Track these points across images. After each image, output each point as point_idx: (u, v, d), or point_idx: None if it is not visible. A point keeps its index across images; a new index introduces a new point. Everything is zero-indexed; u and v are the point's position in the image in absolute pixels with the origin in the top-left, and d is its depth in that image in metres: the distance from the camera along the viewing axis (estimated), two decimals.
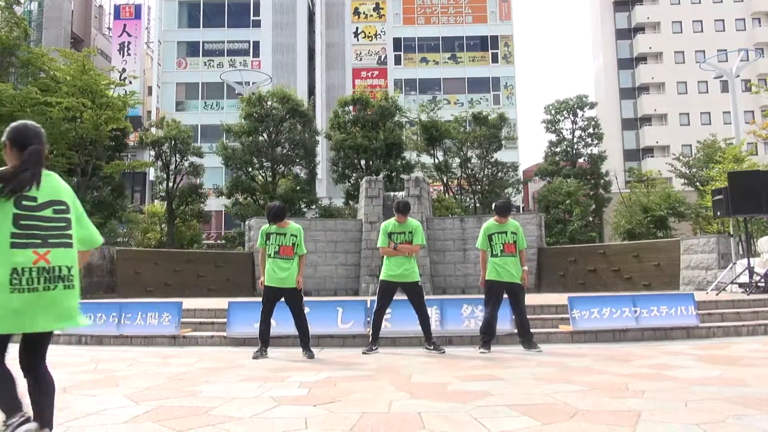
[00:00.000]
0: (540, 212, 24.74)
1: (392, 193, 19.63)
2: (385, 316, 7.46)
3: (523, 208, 45.25)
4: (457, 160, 31.44)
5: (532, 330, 7.39)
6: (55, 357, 7.14)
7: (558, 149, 34.96)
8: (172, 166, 28.78)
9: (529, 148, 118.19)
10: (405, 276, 7.05)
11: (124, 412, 4.04)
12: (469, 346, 7.64)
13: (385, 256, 7.19)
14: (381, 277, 7.17)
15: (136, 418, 3.87)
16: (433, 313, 7.92)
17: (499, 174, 32.44)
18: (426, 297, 7.32)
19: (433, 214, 22.18)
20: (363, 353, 7.05)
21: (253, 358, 6.70)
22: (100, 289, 15.92)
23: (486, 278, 7.12)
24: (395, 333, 7.94)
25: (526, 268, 7.25)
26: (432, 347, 7.13)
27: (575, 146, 34.92)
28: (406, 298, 7.24)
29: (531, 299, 9.17)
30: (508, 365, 5.99)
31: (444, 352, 6.99)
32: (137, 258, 17.54)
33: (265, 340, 6.89)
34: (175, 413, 3.99)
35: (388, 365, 6.12)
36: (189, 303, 10.67)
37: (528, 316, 7.37)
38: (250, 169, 28.06)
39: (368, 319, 7.89)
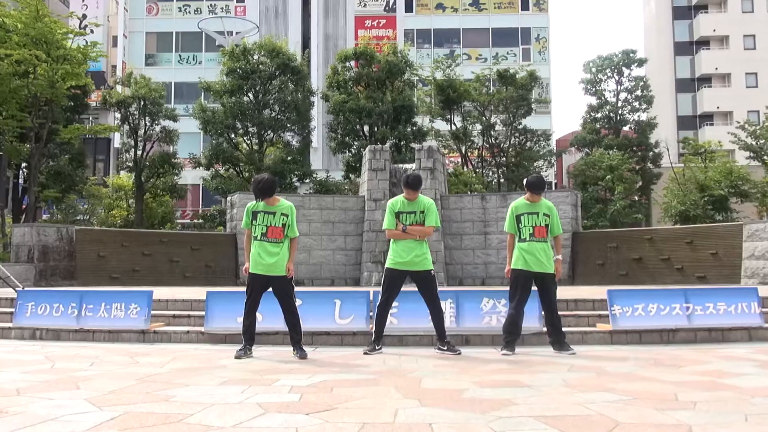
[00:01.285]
0: (576, 189, 24.67)
1: (401, 166, 19.66)
2: (390, 311, 7.49)
3: (556, 184, 45.12)
4: (479, 126, 31.32)
5: (564, 329, 7.39)
6: (5, 354, 7.24)
7: (599, 115, 34.73)
8: (141, 131, 28.78)
9: (564, 113, 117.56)
10: (415, 263, 7.08)
11: (85, 419, 4.05)
12: (490, 347, 7.68)
13: (391, 240, 7.22)
14: (387, 265, 7.21)
15: (99, 426, 3.87)
16: (447, 307, 7.92)
17: (528, 144, 32.35)
18: (439, 288, 7.36)
19: (449, 190, 22.19)
20: (364, 353, 7.11)
21: (236, 357, 6.77)
22: (57, 274, 16.05)
23: (512, 267, 7.17)
24: (403, 330, 7.97)
25: (559, 256, 7.26)
26: (446, 347, 7.18)
27: (620, 111, 34.66)
28: (415, 289, 7.28)
29: (564, 292, 9.10)
30: (536, 369, 6.02)
31: (460, 354, 7.05)
32: (100, 239, 17.66)
33: (249, 337, 6.95)
34: (144, 421, 4.01)
35: (393, 368, 6.17)
36: (161, 292, 10.68)
37: (560, 313, 7.38)
38: (232, 136, 28.04)
39: (371, 313, 7.93)
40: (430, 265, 7.17)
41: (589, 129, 34.53)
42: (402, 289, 7.37)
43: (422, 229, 7.12)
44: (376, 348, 7.25)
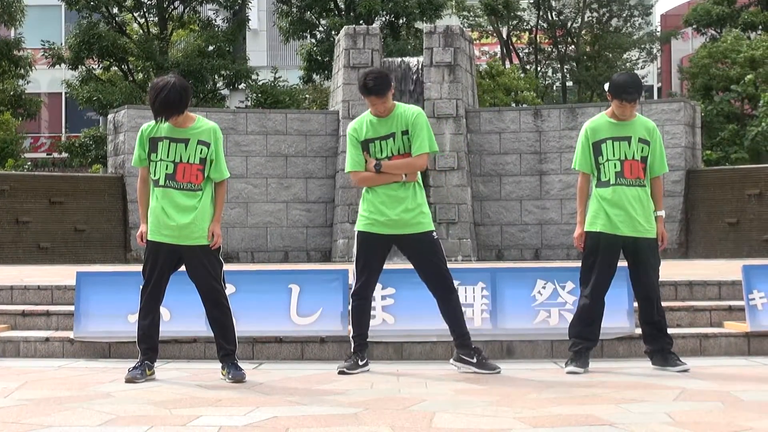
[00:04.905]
0: (693, 99, 20.87)
1: (399, 59, 16.75)
2: (382, 302, 6.41)
3: (660, 90, 37.51)
4: None
5: (671, 330, 6.21)
6: None
7: None
8: None
9: None
10: (406, 223, 5.89)
11: None
12: (546, 360, 6.67)
13: (364, 189, 6.13)
14: (357, 227, 6.12)
15: None
16: (477, 296, 6.73)
17: (615, 21, 27.30)
18: (467, 264, 7.00)
19: (479, 102, 19.03)
20: (340, 372, 5.98)
21: (128, 380, 5.74)
22: None
23: (586, 229, 5.98)
24: (403, 334, 6.73)
25: (662, 213, 6.08)
26: (474, 360, 5.86)
27: None
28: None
29: (671, 270, 8.16)
30: (623, 397, 5.13)
31: (498, 372, 5.92)
32: None
33: (150, 347, 5.93)
34: None
35: (387, 395, 5.36)
36: (1, 274, 9.70)
37: (664, 304, 6.27)
38: (115, 10, 23.51)
39: (349, 307, 6.68)
40: (430, 224, 5.97)
41: None
42: (397, 266, 6.58)
43: (408, 162, 5.89)
44: (359, 363, 6.01)
